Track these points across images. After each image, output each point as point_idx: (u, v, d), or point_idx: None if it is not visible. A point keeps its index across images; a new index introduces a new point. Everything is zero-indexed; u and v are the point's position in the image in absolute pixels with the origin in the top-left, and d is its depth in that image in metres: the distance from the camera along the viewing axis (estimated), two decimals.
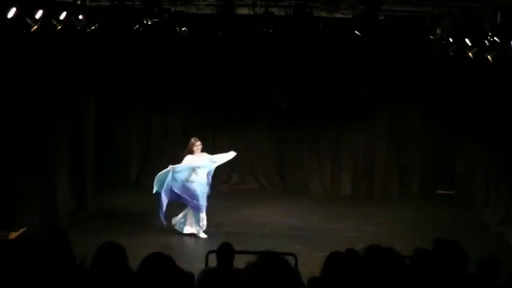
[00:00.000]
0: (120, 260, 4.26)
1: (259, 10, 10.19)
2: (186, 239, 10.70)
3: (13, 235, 8.91)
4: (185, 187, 10.53)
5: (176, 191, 10.50)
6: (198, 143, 10.72)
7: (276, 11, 10.63)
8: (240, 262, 6.24)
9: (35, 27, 8.41)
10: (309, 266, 6.65)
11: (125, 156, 14.48)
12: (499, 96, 11.79)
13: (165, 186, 10.49)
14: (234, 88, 14.02)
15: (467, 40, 10.01)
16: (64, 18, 9.24)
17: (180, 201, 10.71)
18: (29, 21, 8.33)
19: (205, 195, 10.72)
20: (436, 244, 4.52)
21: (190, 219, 10.76)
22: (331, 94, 14.02)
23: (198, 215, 10.65)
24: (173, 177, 10.50)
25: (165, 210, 10.57)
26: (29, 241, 4.47)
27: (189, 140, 10.89)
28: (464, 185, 13.85)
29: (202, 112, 14.24)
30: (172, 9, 10.56)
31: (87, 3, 9.72)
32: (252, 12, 10.27)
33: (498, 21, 9.16)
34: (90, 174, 12.93)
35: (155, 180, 10.56)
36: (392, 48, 13.12)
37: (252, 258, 3.55)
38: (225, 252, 6.21)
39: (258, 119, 14.30)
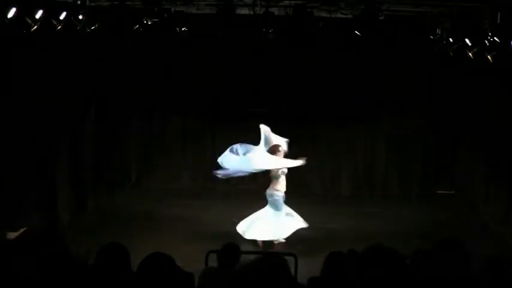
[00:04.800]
0: (123, 261, 4.25)
1: (259, 10, 10.19)
2: (186, 239, 10.69)
3: (13, 235, 8.91)
4: None
5: None
6: (281, 147, 10.77)
7: (276, 11, 10.63)
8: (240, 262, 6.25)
9: (35, 27, 8.40)
10: (309, 266, 6.65)
11: (125, 156, 14.48)
12: (499, 96, 11.79)
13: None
14: (233, 88, 14.02)
15: (467, 40, 10.01)
16: (64, 18, 9.24)
17: None
18: (29, 21, 8.33)
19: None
20: (437, 244, 4.52)
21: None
22: (331, 94, 14.02)
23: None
24: None
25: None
26: (28, 242, 4.47)
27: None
28: (464, 185, 13.86)
29: (202, 112, 14.24)
30: (172, 9, 10.56)
31: (87, 3, 9.72)
32: (252, 12, 10.27)
33: (498, 21, 9.17)
34: (90, 174, 12.94)
35: None
36: (392, 48, 13.12)
37: (251, 258, 3.54)
38: (230, 251, 6.20)
39: (258, 119, 14.28)
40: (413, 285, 4.06)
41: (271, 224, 10.53)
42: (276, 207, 10.58)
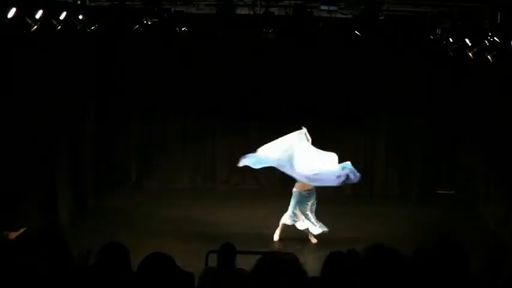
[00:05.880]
0: (123, 261, 4.25)
1: (259, 10, 10.19)
2: (186, 239, 10.69)
3: (13, 235, 8.91)
4: None
5: None
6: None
7: (276, 11, 10.63)
8: (240, 262, 6.25)
9: (35, 27, 8.41)
10: (309, 266, 6.64)
11: (125, 156, 14.48)
12: (499, 96, 11.79)
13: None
14: (233, 88, 14.03)
15: (467, 40, 10.01)
16: (64, 18, 9.24)
17: None
18: (29, 21, 8.33)
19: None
20: (437, 244, 4.51)
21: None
22: (331, 94, 14.03)
23: None
24: None
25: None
26: (28, 242, 4.47)
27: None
28: (464, 185, 13.85)
29: (202, 112, 14.24)
30: (172, 9, 10.56)
31: (87, 3, 9.72)
32: (252, 12, 10.27)
33: (498, 21, 9.17)
34: (90, 174, 12.94)
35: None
36: (392, 48, 13.12)
37: (252, 258, 3.54)
38: (227, 252, 6.21)
39: (258, 119, 14.30)
40: (413, 285, 4.06)
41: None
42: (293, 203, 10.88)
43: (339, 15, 10.67)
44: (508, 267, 5.03)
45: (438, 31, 10.93)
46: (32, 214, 10.04)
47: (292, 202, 10.85)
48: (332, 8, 9.63)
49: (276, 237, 10.98)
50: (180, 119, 14.46)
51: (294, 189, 10.91)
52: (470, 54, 10.14)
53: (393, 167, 14.37)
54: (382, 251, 4.04)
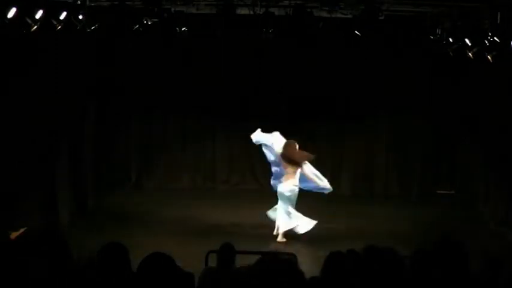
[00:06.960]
0: (123, 261, 4.25)
1: (259, 10, 10.19)
2: (186, 239, 10.69)
3: (13, 235, 8.90)
4: None
5: None
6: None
7: (276, 11, 10.63)
8: (240, 262, 6.25)
9: (35, 27, 8.41)
10: (309, 266, 6.65)
11: (125, 156, 14.48)
12: (499, 96, 11.79)
13: None
14: (233, 88, 14.03)
15: (467, 40, 10.02)
16: (64, 18, 9.25)
17: None
18: (29, 21, 8.33)
19: None
20: (437, 244, 4.52)
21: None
22: (331, 94, 14.03)
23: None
24: None
25: None
26: (28, 242, 4.47)
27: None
28: (464, 185, 13.85)
29: (202, 112, 14.24)
30: (172, 9, 10.57)
31: (87, 3, 9.72)
32: (252, 12, 10.27)
33: (498, 21, 9.18)
34: (90, 174, 12.94)
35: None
36: (392, 48, 13.12)
37: (252, 258, 3.54)
38: (226, 252, 6.22)
39: (258, 119, 14.29)
40: (414, 285, 4.07)
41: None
42: (292, 201, 10.87)
43: (339, 15, 10.67)
44: (508, 267, 5.04)
45: (438, 31, 10.94)
46: (32, 214, 10.04)
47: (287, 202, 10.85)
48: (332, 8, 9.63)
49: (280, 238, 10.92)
50: (180, 119, 14.46)
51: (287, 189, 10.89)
52: (470, 54, 10.15)
53: (393, 167, 14.37)
54: (381, 251, 4.04)
